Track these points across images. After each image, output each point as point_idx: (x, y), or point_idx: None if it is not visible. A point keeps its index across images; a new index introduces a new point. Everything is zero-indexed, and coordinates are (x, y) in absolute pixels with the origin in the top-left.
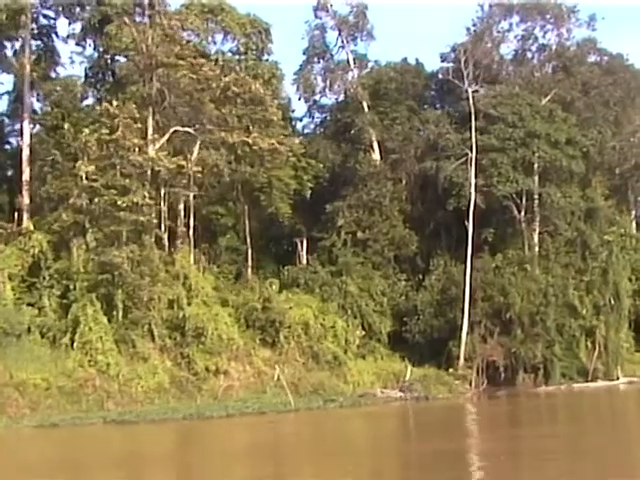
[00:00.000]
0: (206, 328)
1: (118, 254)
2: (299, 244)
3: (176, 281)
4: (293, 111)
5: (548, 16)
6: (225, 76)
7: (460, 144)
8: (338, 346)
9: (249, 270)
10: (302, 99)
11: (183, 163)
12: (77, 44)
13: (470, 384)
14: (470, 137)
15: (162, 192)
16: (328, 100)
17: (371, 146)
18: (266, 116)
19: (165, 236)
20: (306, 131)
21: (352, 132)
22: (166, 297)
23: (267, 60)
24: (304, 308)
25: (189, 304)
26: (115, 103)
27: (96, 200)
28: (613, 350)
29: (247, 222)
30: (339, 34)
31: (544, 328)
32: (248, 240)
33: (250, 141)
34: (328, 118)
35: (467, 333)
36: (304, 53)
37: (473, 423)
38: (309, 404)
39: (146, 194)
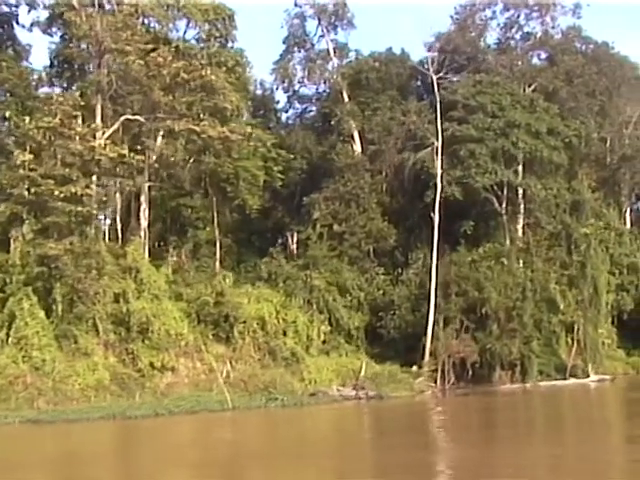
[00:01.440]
0: (152, 323)
1: (55, 246)
2: (289, 237)
3: (126, 274)
4: (277, 102)
5: (532, 3)
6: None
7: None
8: (299, 342)
9: (217, 264)
10: (281, 89)
11: (125, 152)
12: (44, 32)
13: (435, 382)
14: (436, 125)
15: (117, 183)
16: (308, 90)
17: (352, 137)
18: (218, 104)
19: (119, 228)
20: (289, 122)
21: (332, 123)
22: (112, 291)
23: (232, 47)
24: (262, 303)
25: (138, 298)
26: (58, 90)
27: (32, 190)
28: (591, 347)
29: (215, 214)
30: (319, 23)
31: (521, 324)
32: (217, 233)
33: (198, 129)
34: (309, 109)
35: (434, 329)
36: (284, 42)
37: (408, 424)
38: (249, 403)
39: (94, 186)
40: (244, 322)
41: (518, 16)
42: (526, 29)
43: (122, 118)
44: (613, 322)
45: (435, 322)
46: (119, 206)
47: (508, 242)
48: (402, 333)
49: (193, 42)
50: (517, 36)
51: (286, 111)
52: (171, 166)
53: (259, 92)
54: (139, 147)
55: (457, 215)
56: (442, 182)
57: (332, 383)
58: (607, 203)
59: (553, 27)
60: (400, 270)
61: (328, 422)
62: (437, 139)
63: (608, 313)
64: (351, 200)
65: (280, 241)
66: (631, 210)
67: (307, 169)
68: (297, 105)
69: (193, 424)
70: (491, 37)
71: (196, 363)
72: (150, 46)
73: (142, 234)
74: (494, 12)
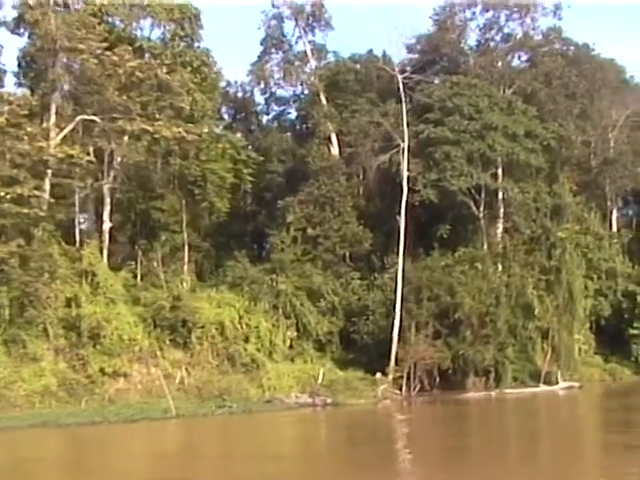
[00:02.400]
0: (104, 327)
1: (1, 249)
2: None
3: (81, 278)
4: (258, 104)
5: (512, 4)
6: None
7: (413, 137)
8: (262, 348)
9: (185, 267)
10: (258, 91)
11: (74, 152)
12: (12, 32)
13: (401, 389)
14: (402, 127)
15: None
16: (285, 92)
17: (329, 139)
18: (174, 104)
19: (77, 231)
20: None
21: (309, 125)
22: (64, 295)
23: (198, 47)
24: (223, 307)
25: (92, 302)
26: (9, 90)
27: None
28: (565, 353)
29: (184, 217)
30: (296, 24)
31: (495, 329)
32: (185, 236)
33: (151, 129)
34: (287, 111)
35: (401, 334)
36: (261, 43)
37: (359, 434)
38: (196, 410)
39: (47, 187)
40: (202, 327)
41: (498, 17)
42: (506, 30)
43: (78, 118)
44: (591, 328)
45: (407, 327)
46: (77, 208)
47: (485, 246)
48: (375, 339)
49: (158, 42)
50: (497, 37)
51: (267, 113)
52: (136, 168)
53: (240, 94)
54: (92, 148)
55: (434, 218)
56: (417, 185)
57: (292, 390)
58: (589, 207)
59: (533, 28)
60: (376, 275)
61: (269, 430)
62: (403, 140)
63: (585, 319)
64: (326, 203)
65: (267, 245)
66: (619, 214)
67: (286, 172)
68: (275, 107)
69: (126, 434)
70: (471, 39)
71: (150, 369)
72: (105, 45)
73: (106, 237)
74: (474, 13)
